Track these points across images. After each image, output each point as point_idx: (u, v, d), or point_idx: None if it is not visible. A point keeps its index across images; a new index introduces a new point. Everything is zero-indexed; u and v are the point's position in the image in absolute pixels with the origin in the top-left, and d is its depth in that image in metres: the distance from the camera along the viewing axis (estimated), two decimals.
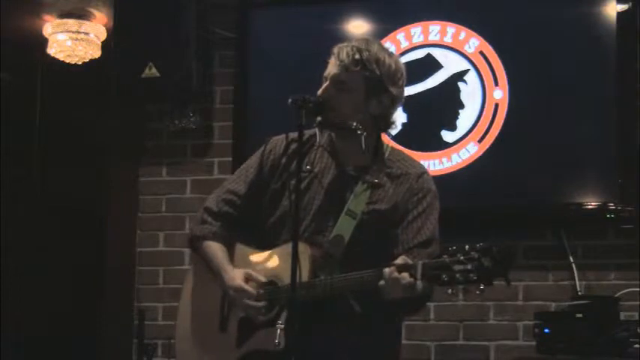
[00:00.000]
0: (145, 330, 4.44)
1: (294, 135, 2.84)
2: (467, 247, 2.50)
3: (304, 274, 2.66)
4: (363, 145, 2.79)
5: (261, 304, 2.74)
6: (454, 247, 2.52)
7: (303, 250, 2.69)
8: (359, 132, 2.77)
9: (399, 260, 2.59)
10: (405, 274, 2.55)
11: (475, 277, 2.48)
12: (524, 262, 4.19)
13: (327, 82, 2.79)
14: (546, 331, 3.77)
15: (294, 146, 2.85)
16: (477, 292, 2.50)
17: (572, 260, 4.17)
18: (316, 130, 2.88)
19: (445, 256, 2.52)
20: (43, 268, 4.56)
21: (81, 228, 4.66)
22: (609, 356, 3.65)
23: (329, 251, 2.76)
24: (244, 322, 2.78)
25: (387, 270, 2.58)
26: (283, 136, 2.90)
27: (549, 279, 4.22)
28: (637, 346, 3.65)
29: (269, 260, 2.80)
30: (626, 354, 3.64)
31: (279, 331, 2.64)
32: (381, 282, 2.58)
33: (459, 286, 2.51)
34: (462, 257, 2.49)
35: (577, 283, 4.16)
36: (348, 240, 2.76)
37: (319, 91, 2.79)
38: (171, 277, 4.61)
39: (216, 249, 2.88)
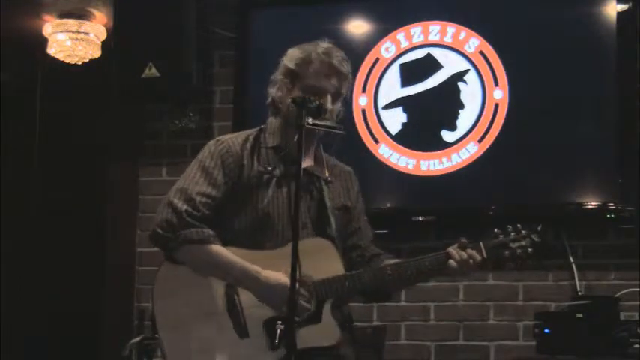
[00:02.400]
0: (145, 330, 4.44)
1: (243, 135, 2.94)
2: (510, 227, 2.84)
3: (340, 267, 2.79)
4: (333, 146, 2.98)
5: (309, 304, 2.75)
6: (500, 229, 2.85)
7: (329, 244, 2.80)
8: (342, 133, 2.85)
9: (462, 240, 2.81)
10: (474, 253, 2.79)
11: (531, 251, 2.82)
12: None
13: (330, 95, 2.84)
14: (546, 331, 3.77)
15: (248, 145, 2.91)
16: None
17: (572, 260, 4.16)
18: (254, 130, 2.96)
19: (501, 236, 2.85)
20: (43, 268, 4.56)
21: (81, 228, 4.66)
22: (609, 356, 3.65)
23: (338, 245, 2.85)
24: (271, 324, 2.72)
25: (453, 251, 2.80)
26: (232, 136, 2.95)
27: (549, 279, 4.22)
28: (637, 346, 3.65)
29: (284, 259, 2.59)
30: (626, 354, 3.64)
31: (278, 331, 2.64)
32: (452, 262, 2.79)
33: (517, 261, 2.84)
34: (514, 235, 2.84)
35: (577, 283, 4.15)
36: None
37: (330, 105, 2.83)
38: None
39: (226, 252, 2.81)
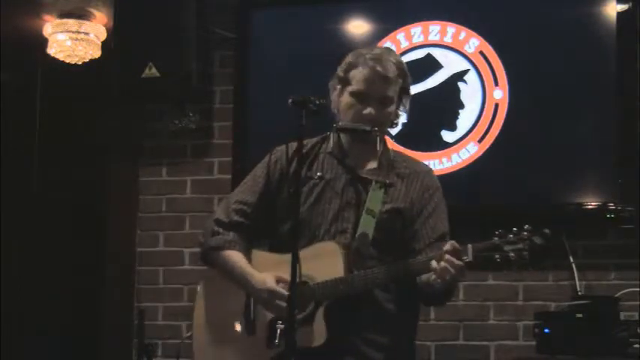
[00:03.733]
0: (145, 330, 4.44)
1: (304, 142, 2.86)
2: (515, 229, 2.63)
3: (340, 270, 2.77)
4: (379, 147, 2.91)
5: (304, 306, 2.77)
6: (502, 231, 2.65)
7: (335, 248, 2.80)
8: (376, 134, 2.85)
9: (447, 246, 2.65)
10: (453, 259, 2.62)
11: (527, 256, 2.61)
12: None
13: (375, 103, 2.83)
14: (546, 331, 3.77)
15: (305, 152, 2.90)
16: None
17: (572, 260, 4.16)
18: (319, 137, 2.96)
19: (495, 238, 2.65)
20: (43, 268, 4.56)
21: (81, 228, 4.66)
22: (609, 356, 3.65)
23: (358, 248, 2.82)
24: (273, 324, 2.80)
25: (436, 255, 2.66)
26: (290, 144, 2.92)
27: (549, 279, 4.22)
28: (637, 346, 3.65)
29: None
30: (626, 354, 3.64)
31: (279, 331, 2.71)
32: (433, 263, 2.65)
33: (512, 266, 2.62)
34: (512, 237, 2.63)
35: (577, 283, 4.16)
36: (371, 237, 2.83)
37: (372, 113, 2.81)
38: (171, 277, 4.61)
39: (235, 257, 2.91)
